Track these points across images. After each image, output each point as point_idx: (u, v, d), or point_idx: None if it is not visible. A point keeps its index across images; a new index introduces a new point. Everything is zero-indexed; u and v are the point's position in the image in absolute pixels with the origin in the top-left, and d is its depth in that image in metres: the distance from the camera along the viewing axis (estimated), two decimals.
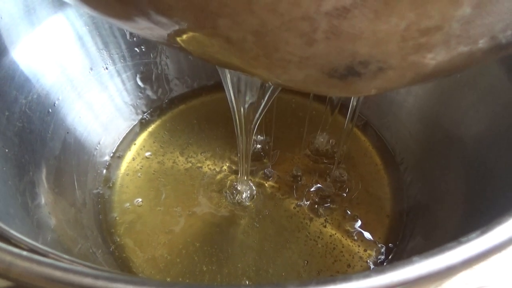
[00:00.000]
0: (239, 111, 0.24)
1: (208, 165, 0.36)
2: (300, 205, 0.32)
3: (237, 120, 0.25)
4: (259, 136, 0.37)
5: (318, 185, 0.34)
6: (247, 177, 0.32)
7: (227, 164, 0.36)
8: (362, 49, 0.10)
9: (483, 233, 0.10)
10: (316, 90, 0.14)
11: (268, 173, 0.35)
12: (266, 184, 0.34)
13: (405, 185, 0.34)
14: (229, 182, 0.34)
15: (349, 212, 0.32)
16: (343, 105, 0.38)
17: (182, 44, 0.14)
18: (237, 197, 0.33)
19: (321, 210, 0.32)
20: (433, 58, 0.11)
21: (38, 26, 0.29)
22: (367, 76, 0.11)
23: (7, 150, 0.24)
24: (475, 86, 0.28)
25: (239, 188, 0.33)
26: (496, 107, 0.27)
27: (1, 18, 0.26)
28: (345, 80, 0.12)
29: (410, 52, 0.10)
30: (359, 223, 0.32)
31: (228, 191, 0.34)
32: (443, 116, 0.31)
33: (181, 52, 0.16)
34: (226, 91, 0.22)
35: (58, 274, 0.09)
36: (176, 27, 0.13)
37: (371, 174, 0.35)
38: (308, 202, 0.33)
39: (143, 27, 0.14)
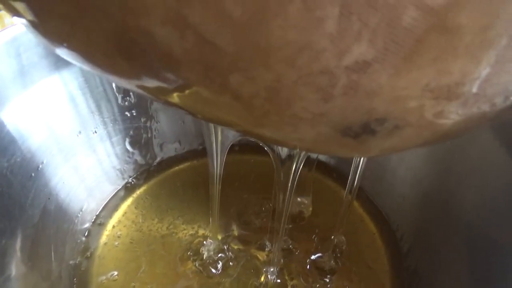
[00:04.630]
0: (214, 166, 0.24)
1: (183, 229, 0.34)
2: (296, 285, 0.30)
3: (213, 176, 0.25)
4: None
5: (318, 254, 0.32)
6: (215, 237, 0.30)
7: (204, 229, 0.34)
8: (380, 105, 0.10)
9: None
10: (324, 150, 0.13)
11: (263, 244, 0.33)
12: (258, 256, 0.32)
13: (402, 254, 0.33)
14: (203, 248, 0.32)
15: None
16: (339, 173, 0.38)
17: (185, 103, 0.14)
18: (212, 265, 0.31)
19: (319, 286, 0.30)
20: (450, 117, 0.11)
21: (31, 87, 0.29)
22: (382, 134, 0.11)
23: None
24: (467, 153, 0.28)
25: (210, 253, 0.31)
26: (488, 175, 0.27)
27: None
28: (358, 139, 0.11)
29: (428, 110, 0.10)
30: None
31: (202, 259, 0.31)
32: (437, 183, 0.31)
33: (180, 111, 0.16)
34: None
35: None
36: (182, 85, 0.12)
37: (368, 243, 0.34)
38: (305, 279, 0.30)
39: (147, 85, 0.14)
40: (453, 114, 0.11)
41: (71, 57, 0.14)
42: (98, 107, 0.35)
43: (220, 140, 0.19)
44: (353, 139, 0.12)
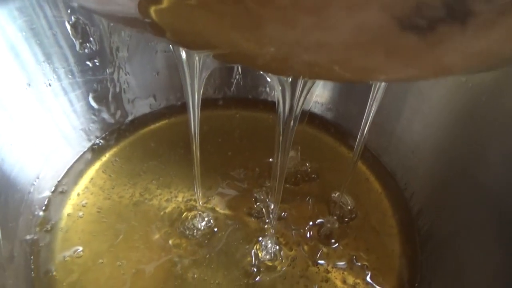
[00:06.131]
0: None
1: (159, 194, 0.29)
2: (294, 258, 0.26)
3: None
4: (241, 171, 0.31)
5: (319, 219, 0.28)
6: (201, 202, 0.27)
7: (183, 194, 0.29)
8: None
9: None
10: (365, 65, 0.08)
11: (253, 208, 0.28)
12: (248, 222, 0.28)
13: (413, 215, 0.29)
14: (183, 215, 0.28)
15: (356, 262, 0.26)
16: (337, 128, 0.34)
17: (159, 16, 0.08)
18: (193, 236, 0.26)
19: (322, 257, 0.26)
20: None
21: None
22: (481, 20, 0.06)
23: None
24: (499, 102, 0.23)
25: (191, 221, 0.27)
26: None
27: None
28: (431, 34, 0.06)
29: None
30: (367, 273, 0.25)
31: (182, 229, 0.27)
32: (459, 136, 0.26)
33: (153, 35, 0.11)
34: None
35: None
36: None
37: (374, 204, 0.30)
38: (305, 249, 0.26)
39: None
40: None
41: None
42: (48, 55, 0.28)
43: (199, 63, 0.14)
44: (419, 37, 0.06)
